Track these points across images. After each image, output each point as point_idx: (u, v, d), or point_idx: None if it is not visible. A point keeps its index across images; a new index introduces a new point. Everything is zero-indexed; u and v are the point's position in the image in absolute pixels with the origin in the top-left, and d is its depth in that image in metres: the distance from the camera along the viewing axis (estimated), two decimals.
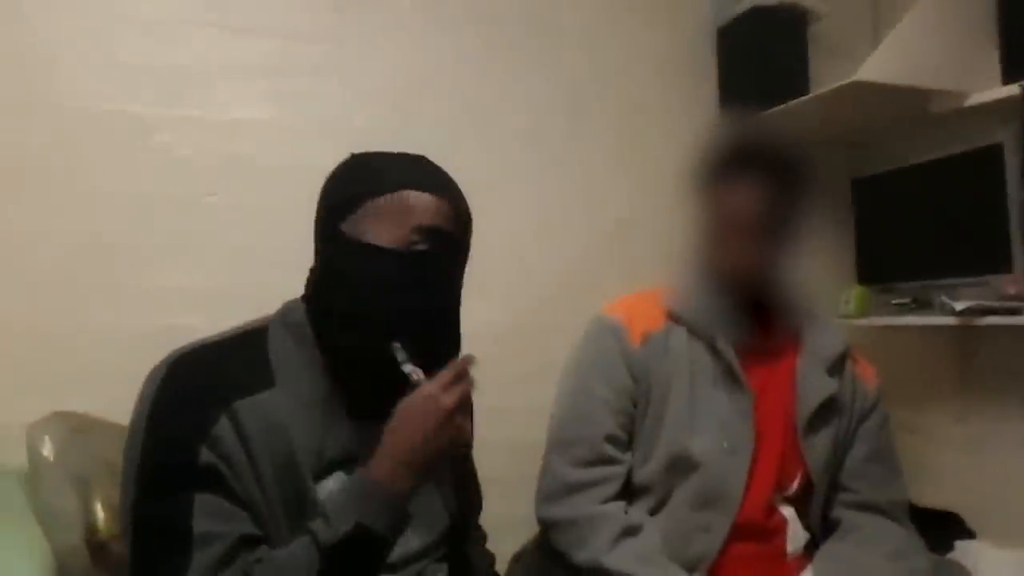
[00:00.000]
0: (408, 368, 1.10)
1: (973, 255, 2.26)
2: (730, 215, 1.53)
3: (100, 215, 1.99)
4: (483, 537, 1.48)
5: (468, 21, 2.41)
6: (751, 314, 1.58)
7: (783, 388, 1.59)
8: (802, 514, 1.59)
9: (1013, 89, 2.07)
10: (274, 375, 1.11)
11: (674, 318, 1.60)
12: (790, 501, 1.58)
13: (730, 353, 1.54)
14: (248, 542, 1.04)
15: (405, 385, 1.10)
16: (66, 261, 1.96)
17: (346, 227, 1.16)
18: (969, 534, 2.21)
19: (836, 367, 1.61)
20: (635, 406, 1.57)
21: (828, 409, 1.58)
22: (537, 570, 1.65)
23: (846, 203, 2.69)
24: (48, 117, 1.97)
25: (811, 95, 2.33)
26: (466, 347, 1.30)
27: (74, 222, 1.97)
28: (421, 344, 1.12)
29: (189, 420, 1.04)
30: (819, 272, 2.49)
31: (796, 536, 1.58)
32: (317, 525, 1.03)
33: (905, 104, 2.30)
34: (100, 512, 1.49)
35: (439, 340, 1.17)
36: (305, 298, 1.22)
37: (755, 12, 2.52)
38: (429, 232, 1.15)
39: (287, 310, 1.22)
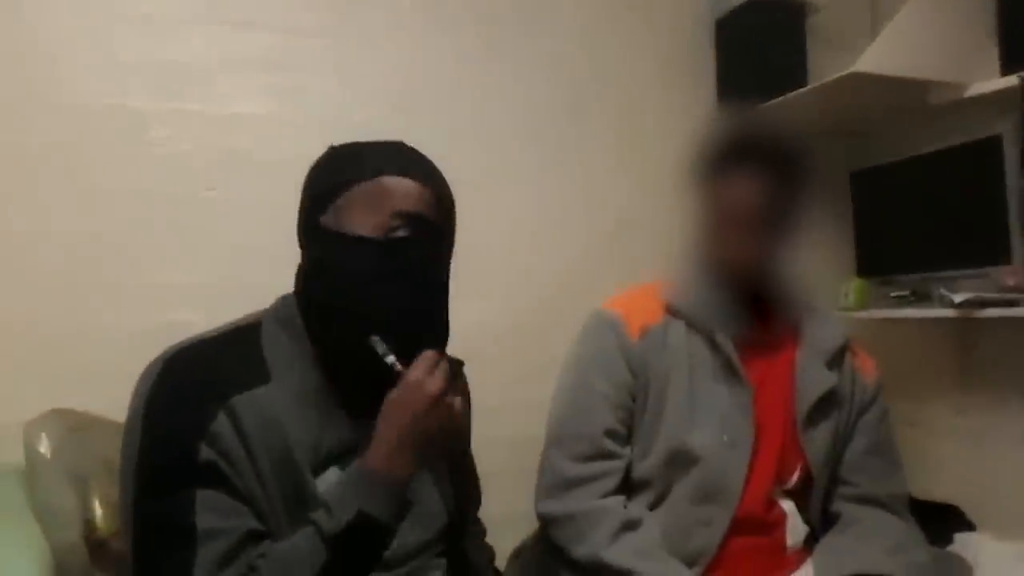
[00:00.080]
0: (391, 360, 1.10)
1: (972, 247, 2.25)
2: (729, 208, 1.53)
3: (98, 211, 1.99)
4: (482, 532, 1.48)
5: (466, 17, 2.40)
6: (750, 307, 1.58)
7: (782, 381, 1.58)
8: (802, 507, 1.59)
9: (1012, 80, 2.06)
10: (269, 370, 1.11)
11: (672, 312, 1.60)
12: (790, 495, 1.58)
13: (729, 347, 1.54)
14: (253, 537, 1.04)
15: (392, 377, 1.10)
16: (64, 258, 1.95)
17: (326, 219, 1.15)
18: (969, 526, 2.21)
19: (835, 360, 1.61)
20: (634, 400, 1.57)
21: (827, 402, 1.57)
22: (537, 565, 1.65)
23: (845, 195, 2.68)
24: (46, 113, 1.97)
25: (809, 87, 2.33)
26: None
27: (72, 219, 1.96)
28: (403, 334, 1.12)
29: (187, 417, 1.04)
30: (818, 265, 2.50)
31: (796, 529, 1.58)
32: (319, 516, 1.04)
33: (904, 96, 2.29)
34: (99, 510, 1.49)
35: (421, 329, 1.16)
36: (295, 293, 1.21)
37: (753, 4, 2.51)
38: (409, 217, 1.14)
39: (280, 305, 1.22)
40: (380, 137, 1.24)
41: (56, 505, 1.48)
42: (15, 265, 1.90)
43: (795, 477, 1.57)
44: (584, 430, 1.55)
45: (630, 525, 1.49)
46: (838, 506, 1.62)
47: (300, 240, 1.21)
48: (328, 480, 1.12)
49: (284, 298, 1.23)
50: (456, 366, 1.20)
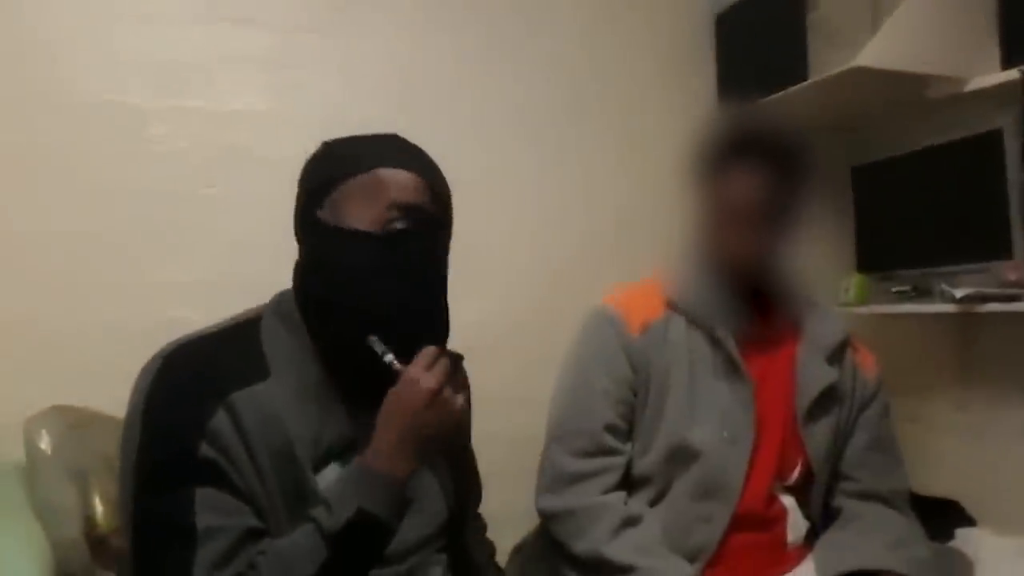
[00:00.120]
0: (389, 359, 1.10)
1: (973, 242, 2.25)
2: (729, 203, 1.52)
3: (97, 208, 1.99)
4: (483, 527, 1.48)
5: (466, 13, 2.40)
6: (751, 303, 1.58)
7: (783, 377, 1.58)
8: (803, 503, 1.59)
9: (1012, 74, 2.06)
10: (269, 366, 1.11)
11: (673, 307, 1.59)
12: (790, 490, 1.58)
13: (730, 342, 1.54)
14: (252, 535, 1.04)
15: (392, 376, 1.10)
16: (63, 255, 1.95)
17: (322, 213, 1.15)
18: (970, 522, 2.21)
19: (836, 356, 1.61)
20: (635, 396, 1.57)
21: (828, 398, 1.57)
22: (538, 561, 1.65)
23: (845, 190, 2.68)
24: (46, 110, 1.97)
25: (810, 82, 2.32)
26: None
27: (71, 216, 1.97)
28: (402, 331, 1.12)
29: (186, 414, 1.03)
30: (819, 260, 2.50)
31: (797, 525, 1.58)
32: (319, 513, 1.03)
33: (904, 90, 2.29)
34: (99, 506, 1.50)
35: (420, 325, 1.15)
36: (294, 289, 1.21)
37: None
38: (406, 209, 1.13)
39: (280, 300, 1.21)
40: (379, 130, 1.24)
41: (57, 501, 1.49)
42: (14, 262, 1.91)
43: (796, 473, 1.57)
44: (585, 426, 1.55)
45: (631, 521, 1.49)
46: (839, 502, 1.62)
47: (297, 235, 1.20)
48: (329, 476, 1.11)
49: (282, 293, 1.22)
50: (456, 360, 1.20)
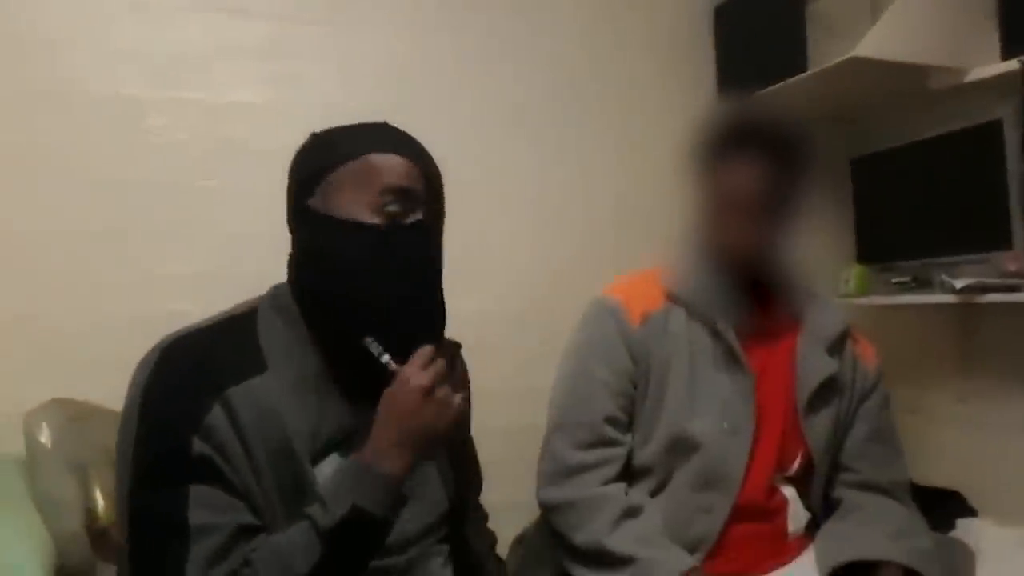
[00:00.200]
0: (385, 359, 1.10)
1: (973, 232, 2.25)
2: (729, 194, 1.52)
3: (95, 201, 1.98)
4: (484, 517, 1.48)
5: (465, 9, 2.39)
6: (750, 294, 1.57)
7: (783, 368, 1.58)
8: (803, 494, 1.59)
9: (1012, 64, 2.05)
10: (265, 359, 1.10)
11: (673, 299, 1.59)
12: (791, 481, 1.58)
13: (730, 334, 1.54)
14: (246, 532, 1.04)
15: (388, 376, 1.10)
16: (61, 248, 1.95)
17: (314, 201, 1.14)
18: (971, 512, 2.22)
19: (836, 347, 1.61)
20: (635, 387, 1.57)
21: (828, 389, 1.57)
22: (538, 553, 1.65)
23: (845, 181, 2.68)
24: (42, 102, 1.96)
25: (809, 73, 2.31)
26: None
27: (69, 208, 1.96)
28: (398, 326, 1.11)
29: (181, 409, 1.03)
30: (818, 251, 2.50)
31: (797, 516, 1.58)
32: (314, 510, 1.03)
33: (904, 81, 2.28)
34: (99, 499, 1.50)
35: (416, 320, 1.15)
36: (288, 281, 1.21)
37: None
38: (400, 193, 1.12)
39: (276, 292, 1.21)
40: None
41: (57, 495, 1.49)
42: (13, 255, 1.90)
43: (796, 464, 1.57)
44: (585, 417, 1.55)
45: (631, 512, 1.49)
46: (839, 492, 1.62)
47: (289, 226, 1.20)
48: (328, 467, 1.11)
49: (278, 286, 1.21)
50: (453, 348, 1.19)
